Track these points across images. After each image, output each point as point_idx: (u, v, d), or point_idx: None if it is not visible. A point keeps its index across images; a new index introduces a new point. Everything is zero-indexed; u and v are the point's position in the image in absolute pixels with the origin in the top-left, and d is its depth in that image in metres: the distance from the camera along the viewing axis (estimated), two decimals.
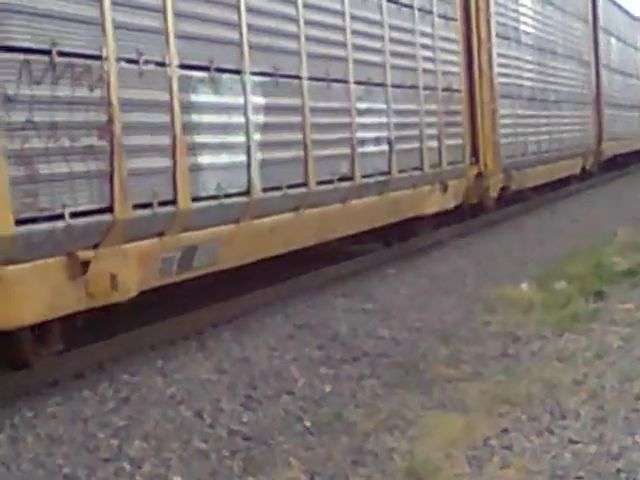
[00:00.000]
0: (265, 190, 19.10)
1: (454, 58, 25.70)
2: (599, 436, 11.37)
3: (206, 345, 14.75)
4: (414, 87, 23.29)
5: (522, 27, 33.48)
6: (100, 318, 14.65)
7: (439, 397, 13.08)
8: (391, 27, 23.25)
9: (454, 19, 25.64)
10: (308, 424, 11.88)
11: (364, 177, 22.39)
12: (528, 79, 34.34)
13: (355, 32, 22.87)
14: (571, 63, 40.96)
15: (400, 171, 22.53)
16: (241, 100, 19.15)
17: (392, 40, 23.03)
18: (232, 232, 18.10)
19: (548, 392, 13.24)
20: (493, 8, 27.84)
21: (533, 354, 15.31)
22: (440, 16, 25.15)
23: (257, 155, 19.00)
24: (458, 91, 25.74)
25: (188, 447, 10.91)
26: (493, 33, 27.20)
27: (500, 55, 28.67)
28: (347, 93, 22.34)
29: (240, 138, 18.96)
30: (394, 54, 23.08)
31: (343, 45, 23.06)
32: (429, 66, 24.17)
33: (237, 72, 18.91)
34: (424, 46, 23.78)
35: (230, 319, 17.61)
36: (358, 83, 22.73)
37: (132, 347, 15.46)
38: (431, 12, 24.48)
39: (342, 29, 23.60)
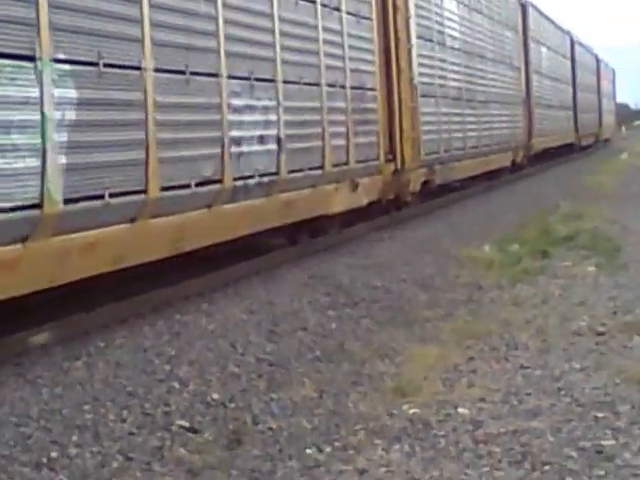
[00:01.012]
0: (67, 202, 12.82)
1: (368, 57, 21.90)
2: (544, 363, 11.58)
3: (240, 292, 15.27)
4: (314, 84, 18.91)
5: (447, 31, 29.48)
6: (159, 271, 15.50)
7: (420, 333, 13.26)
8: (283, 20, 18.28)
9: (368, 18, 21.66)
10: (318, 353, 12.03)
11: (239, 179, 16.97)
12: (454, 80, 30.25)
13: (230, 22, 17.29)
14: (501, 67, 37.56)
15: (292, 171, 17.87)
16: (34, 93, 12.61)
17: (284, 34, 18.16)
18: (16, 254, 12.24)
19: (505, 329, 13.33)
20: (413, 11, 24.32)
21: (493, 300, 15.48)
22: (350, 14, 20.93)
23: (57, 159, 12.90)
24: (373, 90, 21.78)
25: (224, 371, 11.01)
26: (413, 35, 23.94)
27: (421, 56, 25.48)
28: (217, 88, 16.82)
29: (30, 139, 12.50)
30: (287, 49, 18.30)
31: (211, 35, 17.33)
32: (336, 63, 20.20)
33: (30, 59, 12.40)
34: (329, 42, 19.62)
35: (259, 271, 18.00)
36: (233, 78, 17.41)
37: (183, 294, 15.72)
38: (338, 9, 20.26)
39: (210, 17, 17.62)
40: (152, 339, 12.12)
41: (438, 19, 28.11)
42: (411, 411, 10.05)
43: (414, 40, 24.04)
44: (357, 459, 8.70)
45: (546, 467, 8.35)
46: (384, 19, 22.10)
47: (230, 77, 16.63)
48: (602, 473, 8.15)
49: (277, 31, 17.87)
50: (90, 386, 10.14)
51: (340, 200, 19.32)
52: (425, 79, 25.54)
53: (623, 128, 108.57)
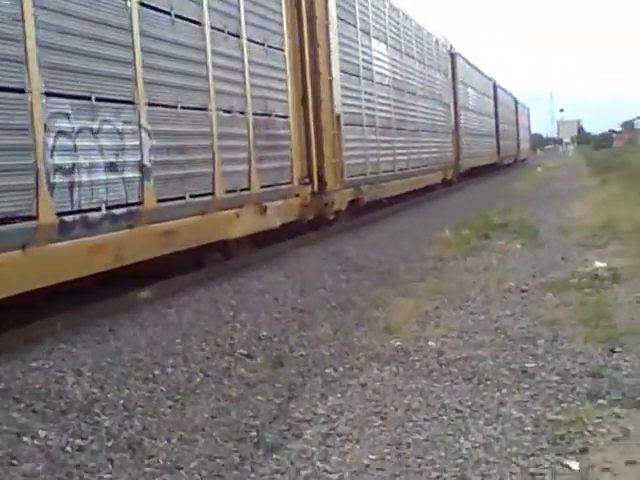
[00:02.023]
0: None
1: (279, 86, 17.19)
2: (486, 311, 11.65)
3: (279, 264, 15.10)
4: (200, 108, 13.85)
5: (376, 69, 24.78)
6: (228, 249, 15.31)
7: (402, 290, 13.36)
8: (151, 37, 12.85)
9: (280, 49, 17.06)
10: (333, 304, 12.21)
11: (70, 213, 10.85)
12: (383, 111, 25.36)
13: (80, 35, 11.56)
14: (432, 103, 33.37)
15: (167, 199, 12.49)
16: None
17: (151, 52, 12.72)
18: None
19: (459, 288, 13.36)
20: (336, 48, 20.35)
21: (451, 268, 15.54)
22: (255, 42, 15.98)
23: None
24: (284, 117, 17.25)
25: (270, 316, 11.06)
26: (336, 69, 20.01)
27: (345, 89, 21.34)
28: (30, 109, 10.40)
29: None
30: (154, 68, 12.86)
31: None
32: (232, 89, 15.11)
33: None
34: (222, 68, 14.55)
35: (292, 249, 17.12)
36: (57, 96, 11.10)
37: (242, 264, 15.23)
38: (237, 35, 15.29)
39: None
40: (221, 295, 12.13)
41: (366, 57, 23.59)
42: (396, 344, 10.07)
43: (336, 74, 19.97)
44: (360, 376, 8.78)
45: (488, 382, 8.40)
46: (301, 52, 17.87)
47: (51, 94, 10.52)
48: (526, 386, 8.18)
49: (138, 47, 12.24)
50: (180, 326, 10.20)
51: (243, 224, 14.77)
52: (350, 109, 21.46)
53: (538, 151, 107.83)
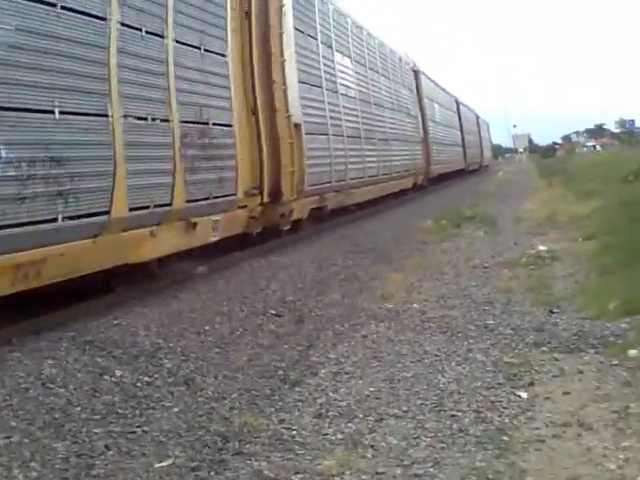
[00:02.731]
0: None
1: (220, 93, 12.72)
2: (457, 282, 11.68)
3: (302, 245, 14.75)
4: (93, 114, 9.16)
5: (341, 81, 20.32)
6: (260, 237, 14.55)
7: (394, 266, 13.28)
8: (25, 31, 8.09)
9: (221, 54, 12.73)
10: (342, 277, 12.06)
11: None
12: (351, 121, 20.91)
13: None
14: (400, 115, 28.32)
15: (50, 220, 8.10)
16: None
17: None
18: None
19: (437, 265, 13.32)
20: (293, 57, 16.40)
21: (431, 249, 15.51)
22: (184, 44, 11.39)
23: None
24: (228, 125, 12.88)
25: (294, 285, 11.21)
26: (293, 79, 16.14)
27: (307, 99, 17.43)
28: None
29: None
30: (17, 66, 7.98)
31: None
32: (149, 94, 10.54)
33: None
34: (132, 69, 10.10)
35: (311, 235, 16.58)
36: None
37: (274, 247, 14.57)
38: (161, 35, 10.81)
39: None
40: (258, 270, 12.05)
41: (328, 70, 18.99)
42: (389, 306, 10.02)
43: (293, 84, 15.82)
44: (362, 330, 8.75)
45: (459, 334, 8.37)
46: (250, 61, 13.62)
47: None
48: (487, 337, 8.15)
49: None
50: (226, 293, 10.18)
51: (161, 244, 10.32)
52: (311, 119, 17.12)
53: (500, 158, 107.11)
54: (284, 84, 15.05)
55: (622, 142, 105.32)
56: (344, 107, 19.99)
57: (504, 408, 6.05)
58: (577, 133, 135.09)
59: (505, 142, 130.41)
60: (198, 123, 11.42)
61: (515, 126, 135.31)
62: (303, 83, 16.85)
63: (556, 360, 7.32)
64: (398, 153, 26.90)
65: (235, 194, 12.59)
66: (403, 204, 27.88)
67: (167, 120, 10.39)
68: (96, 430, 5.54)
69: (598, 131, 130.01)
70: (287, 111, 15.06)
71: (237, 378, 6.99)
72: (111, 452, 5.23)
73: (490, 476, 4.84)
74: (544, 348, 7.71)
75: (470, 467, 4.98)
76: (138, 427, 5.69)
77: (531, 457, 5.14)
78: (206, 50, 11.79)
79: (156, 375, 6.79)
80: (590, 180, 30.92)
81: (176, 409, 6.12)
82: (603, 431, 5.48)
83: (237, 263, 12.66)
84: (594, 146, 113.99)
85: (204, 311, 9.17)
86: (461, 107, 52.65)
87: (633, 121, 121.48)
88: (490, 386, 6.60)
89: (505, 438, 5.46)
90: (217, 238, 11.78)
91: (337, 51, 20.22)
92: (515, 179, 48.16)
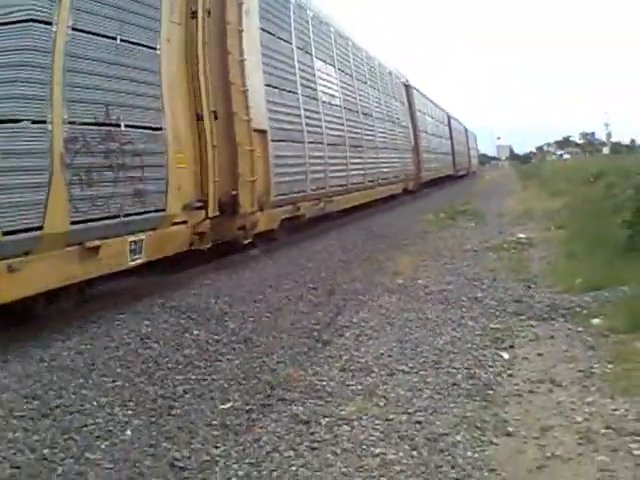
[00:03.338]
0: None
1: (143, 90, 8.06)
2: (452, 263, 11.72)
3: (331, 235, 14.63)
4: None
5: (323, 89, 16.08)
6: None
7: (403, 250, 13.23)
8: None
9: (148, 47, 8.35)
10: (363, 258, 11.82)
11: None
12: (333, 129, 16.73)
13: None
14: (391, 125, 24.15)
15: None
16: None
17: None
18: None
19: (437, 249, 13.33)
20: (257, 58, 12.30)
21: (433, 237, 15.49)
22: (87, 32, 7.01)
23: None
24: (155, 129, 8.27)
25: (325, 265, 11.16)
26: (256, 81, 11.99)
27: (275, 103, 12.98)
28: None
29: None
30: None
31: None
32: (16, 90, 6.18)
33: None
34: None
35: (334, 228, 15.98)
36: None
37: (306, 237, 14.27)
38: (44, 22, 6.44)
39: None
40: (297, 253, 12.09)
41: (306, 76, 14.70)
42: (400, 282, 9.98)
43: (257, 87, 11.96)
44: (378, 301, 8.73)
45: (454, 304, 8.33)
46: (196, 58, 9.96)
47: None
48: (477, 307, 8.12)
49: None
50: (274, 271, 10.25)
51: (32, 279, 6.28)
52: (282, 125, 13.15)
53: (487, 165, 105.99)
54: (244, 86, 11.02)
55: (584, 151, 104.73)
56: (325, 115, 15.70)
57: (489, 366, 6.04)
58: (548, 144, 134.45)
59: (490, 151, 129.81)
60: (101, 125, 7.53)
61: (499, 138, 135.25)
62: (272, 87, 12.63)
63: (532, 327, 7.29)
64: (387, 161, 22.89)
65: (164, 209, 8.62)
66: (409, 202, 26.86)
67: (43, 121, 6.59)
68: (178, 377, 5.63)
69: (565, 142, 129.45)
70: (247, 115, 10.91)
71: (283, 338, 7.01)
72: (188, 395, 5.31)
73: (477, 424, 4.85)
74: (522, 317, 7.68)
75: (461, 416, 4.99)
76: (208, 376, 5.76)
77: (511, 409, 5.13)
78: (125, 41, 8.11)
79: (223, 334, 6.86)
80: (559, 182, 30.64)
81: (237, 362, 6.17)
82: (571, 387, 5.46)
83: (280, 248, 12.51)
84: (561, 154, 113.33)
85: (258, 284, 9.21)
86: (452, 121, 48.81)
87: (593, 133, 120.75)
88: (478, 347, 6.59)
89: (490, 392, 5.46)
90: (142, 260, 8.16)
91: (318, 58, 15.83)
92: (499, 182, 47.68)
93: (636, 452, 4.32)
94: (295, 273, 10.27)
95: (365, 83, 21.13)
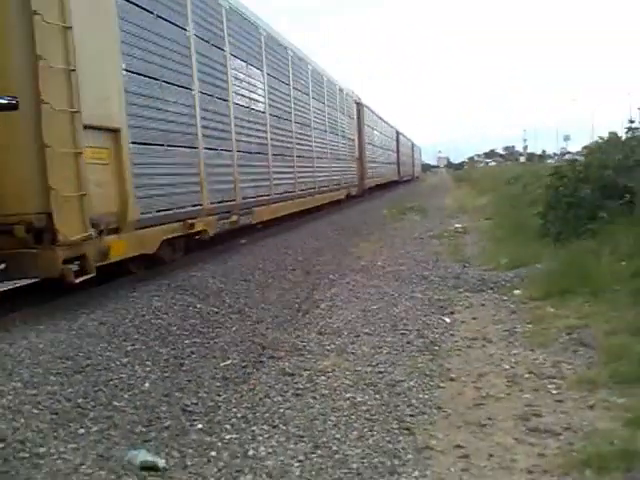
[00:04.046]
0: None
1: None
2: (404, 248, 11.73)
3: (306, 227, 14.48)
4: None
5: (238, 90, 10.92)
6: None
7: (364, 239, 13.15)
8: None
9: None
10: (332, 245, 11.79)
11: None
12: (251, 135, 11.65)
13: None
14: (334, 136, 20.44)
15: None
16: None
17: None
18: None
19: (391, 237, 13.34)
20: (107, 32, 6.63)
21: (388, 228, 15.37)
22: None
23: None
24: None
25: (302, 251, 11.09)
26: (105, 63, 6.56)
27: (145, 96, 7.48)
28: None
29: None
30: None
31: None
32: None
33: None
34: None
35: (308, 222, 15.57)
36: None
37: (296, 224, 14.26)
38: None
39: None
40: (279, 241, 11.84)
41: (213, 73, 10.03)
42: (363, 263, 9.99)
43: (113, 72, 6.82)
44: (346, 279, 8.73)
45: (406, 281, 8.39)
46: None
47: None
48: (424, 283, 8.22)
49: None
50: (260, 256, 9.98)
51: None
52: (156, 125, 7.78)
53: (428, 172, 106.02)
54: (67, 64, 5.96)
55: (505, 160, 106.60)
56: (239, 119, 11.26)
57: (435, 328, 6.14)
58: (477, 155, 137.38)
59: (432, 161, 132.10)
60: None
61: (440, 151, 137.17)
62: (139, 75, 7.65)
63: (467, 297, 7.42)
64: (327, 169, 19.00)
65: None
66: (369, 200, 26.15)
67: None
68: (186, 341, 5.62)
69: (491, 153, 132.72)
70: (71, 105, 5.95)
71: (270, 309, 7.02)
72: (194, 355, 5.32)
73: (427, 372, 4.95)
74: (460, 289, 7.81)
75: (414, 367, 5.07)
76: (211, 339, 5.77)
77: (453, 360, 5.24)
78: None
79: (221, 307, 6.83)
80: (485, 183, 31.07)
81: (234, 328, 6.17)
82: (499, 343, 5.59)
83: (264, 238, 12.33)
84: (487, 162, 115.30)
85: (248, 267, 9.13)
86: (400, 136, 46.04)
87: (513, 146, 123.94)
88: (426, 314, 6.67)
89: (436, 348, 5.55)
90: None
91: (235, 56, 11.21)
92: (438, 184, 47.82)
93: (554, 391, 4.46)
94: (277, 258, 10.19)
95: (307, 95, 17.12)
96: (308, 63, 17.66)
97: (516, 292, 7.30)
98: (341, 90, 22.69)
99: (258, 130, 12.38)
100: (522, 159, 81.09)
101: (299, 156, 15.75)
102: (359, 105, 26.79)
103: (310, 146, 17.33)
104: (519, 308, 6.65)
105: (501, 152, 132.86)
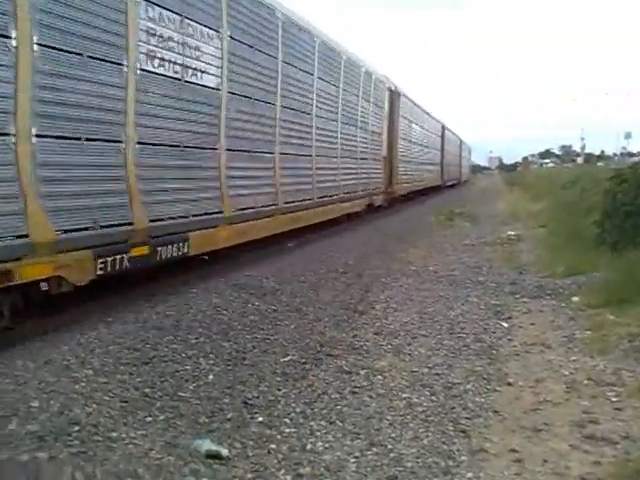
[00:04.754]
0: None
1: None
2: (455, 254, 11.61)
3: (353, 232, 14.28)
4: None
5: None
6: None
7: (412, 245, 12.99)
8: None
9: None
10: (380, 251, 11.74)
11: None
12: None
13: None
14: (351, 129, 15.40)
15: None
16: None
17: None
18: None
19: (441, 244, 13.20)
20: None
21: (436, 235, 15.14)
22: None
23: None
24: None
25: (351, 256, 11.02)
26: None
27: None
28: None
29: None
30: None
31: None
32: None
33: None
34: None
35: (354, 227, 15.50)
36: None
37: (336, 232, 13.66)
38: None
39: None
40: (328, 245, 11.86)
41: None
42: (413, 268, 9.94)
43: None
44: (398, 282, 8.72)
45: (460, 285, 8.38)
46: None
47: None
48: (480, 288, 8.18)
49: None
50: (310, 258, 10.14)
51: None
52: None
53: (479, 174, 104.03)
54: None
55: (562, 161, 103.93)
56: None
57: (492, 332, 6.13)
58: (532, 155, 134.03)
59: (483, 162, 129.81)
60: None
61: (491, 151, 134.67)
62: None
63: (525, 303, 7.36)
64: (332, 172, 13.91)
65: None
66: (410, 206, 24.74)
67: None
68: (247, 336, 5.72)
69: (546, 153, 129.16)
70: None
71: (326, 308, 7.07)
72: (256, 350, 5.42)
73: (484, 376, 4.95)
74: (517, 295, 7.75)
75: (471, 370, 5.09)
76: (271, 336, 5.85)
77: (511, 365, 5.23)
78: None
79: (278, 305, 6.92)
80: (540, 187, 29.98)
81: (292, 326, 6.25)
82: (558, 349, 5.54)
83: (314, 241, 12.32)
84: (541, 164, 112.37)
85: (298, 268, 9.18)
86: (446, 132, 39.13)
87: (570, 146, 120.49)
88: (483, 318, 6.66)
89: (494, 352, 5.55)
90: None
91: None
92: (489, 188, 46.94)
93: (613, 399, 4.42)
94: (326, 260, 10.20)
95: (311, 74, 12.21)
96: (316, 35, 12.62)
97: (574, 299, 7.21)
98: (369, 73, 17.39)
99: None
100: (579, 160, 79.07)
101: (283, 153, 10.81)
102: (393, 93, 21.01)
103: (306, 138, 12.26)
104: (578, 315, 6.57)
105: (557, 152, 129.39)
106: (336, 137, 14.41)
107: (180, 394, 4.42)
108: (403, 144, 22.78)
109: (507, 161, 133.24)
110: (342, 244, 12.53)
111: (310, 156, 12.47)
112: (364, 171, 17.09)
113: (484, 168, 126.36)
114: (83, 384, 4.20)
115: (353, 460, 3.70)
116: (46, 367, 4.36)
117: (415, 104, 26.46)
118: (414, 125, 25.87)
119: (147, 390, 4.37)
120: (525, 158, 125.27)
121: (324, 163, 13.39)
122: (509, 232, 14.49)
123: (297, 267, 9.35)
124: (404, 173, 23.19)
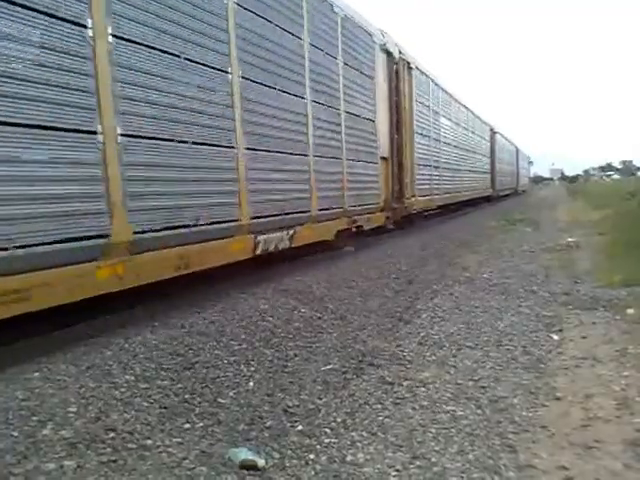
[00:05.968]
0: None
1: None
2: (512, 260, 11.21)
3: (413, 235, 14.26)
4: None
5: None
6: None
7: (471, 250, 12.81)
8: None
9: None
10: (437, 255, 11.56)
11: None
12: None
13: None
14: (327, 112, 9.62)
15: None
16: None
17: None
18: None
19: (499, 249, 12.90)
20: None
21: (496, 239, 14.98)
22: None
23: None
24: None
25: (406, 260, 10.90)
26: None
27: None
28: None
29: None
30: None
31: None
32: None
33: None
34: None
35: (417, 230, 15.72)
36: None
37: (394, 235, 13.84)
38: None
39: None
40: (383, 249, 11.88)
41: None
42: (467, 275, 9.77)
43: None
44: (449, 290, 8.57)
45: (513, 295, 8.09)
46: None
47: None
48: (532, 297, 7.86)
49: None
50: (364, 263, 10.02)
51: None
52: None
53: (540, 185, 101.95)
54: None
55: (622, 175, 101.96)
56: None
57: (542, 345, 5.88)
58: (593, 168, 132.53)
59: (546, 173, 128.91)
60: None
61: (553, 164, 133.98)
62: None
63: (577, 314, 7.03)
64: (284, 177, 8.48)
65: None
66: (476, 210, 25.80)
67: None
68: (290, 344, 5.69)
69: (607, 167, 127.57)
70: None
71: (371, 316, 6.99)
72: (297, 358, 5.39)
73: (532, 390, 4.75)
74: (570, 306, 7.43)
75: (519, 384, 4.90)
76: (313, 344, 5.81)
77: (560, 379, 4.99)
78: None
79: (324, 312, 6.87)
80: (601, 198, 29.67)
81: (335, 334, 6.19)
82: (609, 364, 5.26)
83: (371, 245, 12.39)
84: (602, 177, 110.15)
85: (351, 273, 9.14)
86: (497, 136, 33.98)
87: (631, 160, 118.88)
88: (533, 330, 6.41)
89: (542, 365, 5.32)
90: None
91: None
92: (550, 196, 46.08)
93: None
94: (381, 265, 10.12)
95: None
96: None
97: (629, 311, 6.85)
98: (370, 34, 12.04)
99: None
100: None
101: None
102: (397, 62, 14.00)
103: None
104: (632, 328, 6.22)
105: (617, 166, 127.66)
106: (291, 119, 8.66)
107: (220, 400, 4.41)
108: (424, 143, 16.72)
109: (568, 173, 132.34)
110: (400, 248, 12.31)
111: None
112: (354, 179, 11.21)
113: (545, 179, 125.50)
114: (123, 389, 4.24)
115: (395, 473, 3.60)
116: (88, 372, 4.43)
117: (443, 90, 19.59)
118: (443, 119, 19.41)
119: (187, 396, 4.38)
120: (586, 171, 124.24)
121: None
122: (568, 239, 14.07)
123: (349, 272, 9.29)
124: (429, 181, 17.27)
